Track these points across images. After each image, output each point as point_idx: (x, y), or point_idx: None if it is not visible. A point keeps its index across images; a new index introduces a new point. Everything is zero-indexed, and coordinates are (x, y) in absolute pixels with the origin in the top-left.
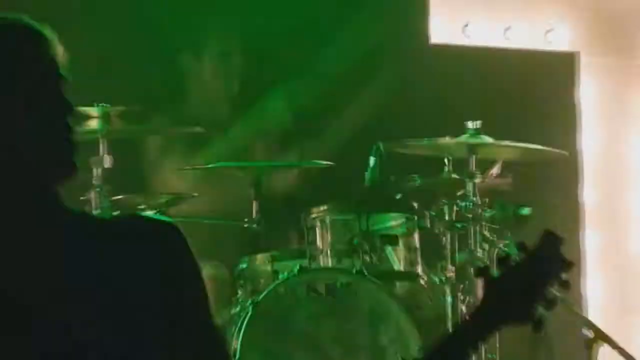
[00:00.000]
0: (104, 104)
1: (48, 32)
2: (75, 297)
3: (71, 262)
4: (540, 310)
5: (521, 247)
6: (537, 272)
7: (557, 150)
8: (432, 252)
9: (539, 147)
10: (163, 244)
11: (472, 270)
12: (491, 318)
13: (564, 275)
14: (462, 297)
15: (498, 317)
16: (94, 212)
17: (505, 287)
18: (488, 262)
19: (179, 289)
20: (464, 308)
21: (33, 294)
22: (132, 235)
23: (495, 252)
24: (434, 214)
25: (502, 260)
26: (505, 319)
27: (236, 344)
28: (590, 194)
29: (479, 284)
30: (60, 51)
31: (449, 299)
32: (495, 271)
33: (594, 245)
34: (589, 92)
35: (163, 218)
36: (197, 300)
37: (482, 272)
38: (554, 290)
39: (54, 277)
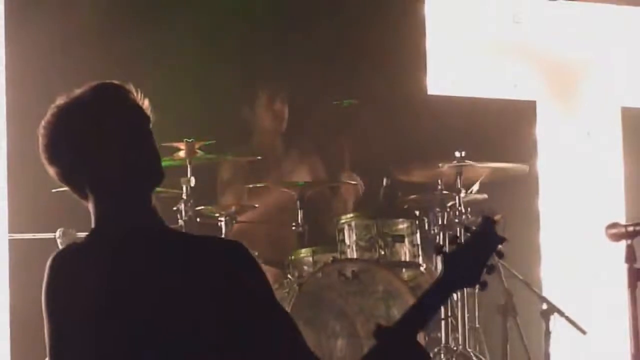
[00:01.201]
0: (190, 139)
1: (138, 92)
2: (163, 301)
3: (163, 270)
4: (484, 274)
5: (467, 229)
6: (479, 247)
7: (520, 165)
8: (429, 248)
9: (508, 165)
10: (233, 257)
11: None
12: (449, 284)
13: (499, 247)
14: None
15: (453, 282)
16: (182, 221)
17: (457, 259)
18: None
19: (250, 290)
20: None
21: (134, 297)
22: (210, 251)
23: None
24: (430, 219)
25: (452, 240)
26: (458, 284)
27: None
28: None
29: (438, 259)
30: (146, 103)
31: None
32: (448, 248)
33: (548, 241)
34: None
35: (228, 237)
36: (266, 294)
37: (438, 250)
38: (493, 259)
39: (151, 284)
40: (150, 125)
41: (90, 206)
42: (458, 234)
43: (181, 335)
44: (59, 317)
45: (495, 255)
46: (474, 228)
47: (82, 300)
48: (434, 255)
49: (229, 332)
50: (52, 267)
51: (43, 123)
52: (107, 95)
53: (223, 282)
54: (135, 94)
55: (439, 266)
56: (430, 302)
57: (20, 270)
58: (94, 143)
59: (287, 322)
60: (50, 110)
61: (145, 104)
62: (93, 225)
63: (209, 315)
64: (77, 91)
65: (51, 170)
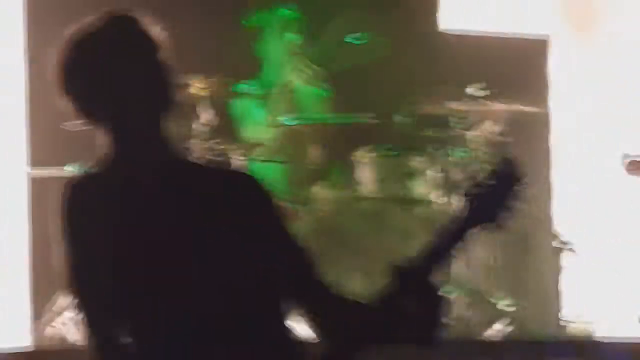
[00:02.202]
0: (204, 75)
1: (148, 19)
2: (184, 230)
3: (181, 197)
4: (503, 213)
5: (487, 169)
6: (499, 187)
7: (536, 109)
8: (444, 184)
9: (523, 108)
10: (248, 188)
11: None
12: (466, 223)
13: (518, 187)
14: None
15: (471, 221)
16: (193, 157)
17: (476, 199)
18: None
19: (265, 219)
20: None
21: (153, 225)
22: (224, 181)
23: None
24: (448, 155)
25: (472, 179)
26: (477, 223)
27: None
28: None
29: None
30: (157, 31)
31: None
32: (468, 187)
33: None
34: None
35: (242, 170)
36: (281, 224)
37: (457, 188)
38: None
39: (164, 212)
40: (163, 54)
41: (103, 136)
42: (477, 173)
43: (194, 265)
44: (75, 244)
45: (514, 196)
46: (494, 168)
47: (96, 227)
48: (449, 192)
49: (244, 261)
50: (66, 195)
51: (55, 54)
52: (118, 25)
53: (237, 211)
54: (146, 23)
55: (457, 204)
56: (446, 242)
57: (39, 205)
58: (105, 73)
59: (306, 251)
60: (62, 41)
61: (157, 31)
62: (104, 153)
63: (223, 245)
64: (87, 21)
65: (65, 101)
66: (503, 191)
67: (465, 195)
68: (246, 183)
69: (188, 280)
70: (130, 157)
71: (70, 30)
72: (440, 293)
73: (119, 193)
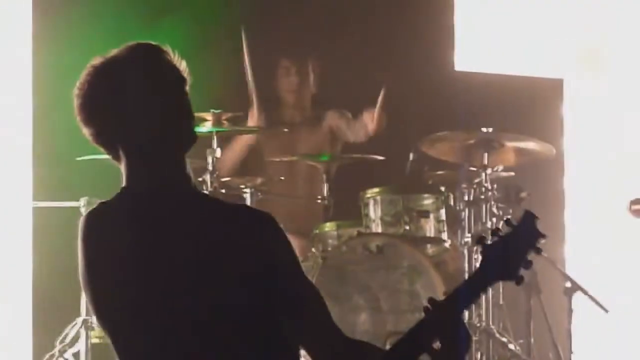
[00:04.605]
0: (216, 110)
1: (174, 54)
2: (189, 262)
3: (193, 232)
4: (522, 269)
5: (508, 222)
6: (519, 242)
7: (547, 146)
8: (454, 224)
9: (535, 145)
10: (263, 227)
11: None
12: (487, 275)
13: (538, 244)
14: (475, 257)
15: (492, 275)
16: (207, 191)
17: (496, 253)
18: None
19: (277, 260)
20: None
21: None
22: (241, 219)
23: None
24: (456, 195)
25: (494, 232)
26: (496, 277)
27: None
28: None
29: (478, 249)
30: (183, 65)
31: (466, 258)
32: (489, 240)
33: (572, 220)
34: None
35: (261, 210)
36: (294, 266)
37: (479, 241)
38: (531, 255)
39: (180, 245)
40: (187, 88)
41: (122, 166)
42: (499, 227)
43: (206, 297)
44: (96, 274)
45: (534, 251)
46: (515, 223)
47: (114, 257)
48: (459, 232)
49: (255, 298)
50: (86, 226)
51: (78, 84)
52: (143, 55)
53: (252, 250)
54: (172, 55)
55: (463, 240)
56: (465, 294)
57: (43, 238)
58: (129, 103)
59: (316, 293)
60: (86, 70)
61: (182, 65)
62: (124, 184)
63: (235, 281)
64: (113, 51)
65: (85, 131)
66: (524, 246)
67: (486, 248)
68: (261, 221)
69: (198, 316)
70: (147, 188)
71: (95, 60)
72: (468, 332)
73: (135, 222)
